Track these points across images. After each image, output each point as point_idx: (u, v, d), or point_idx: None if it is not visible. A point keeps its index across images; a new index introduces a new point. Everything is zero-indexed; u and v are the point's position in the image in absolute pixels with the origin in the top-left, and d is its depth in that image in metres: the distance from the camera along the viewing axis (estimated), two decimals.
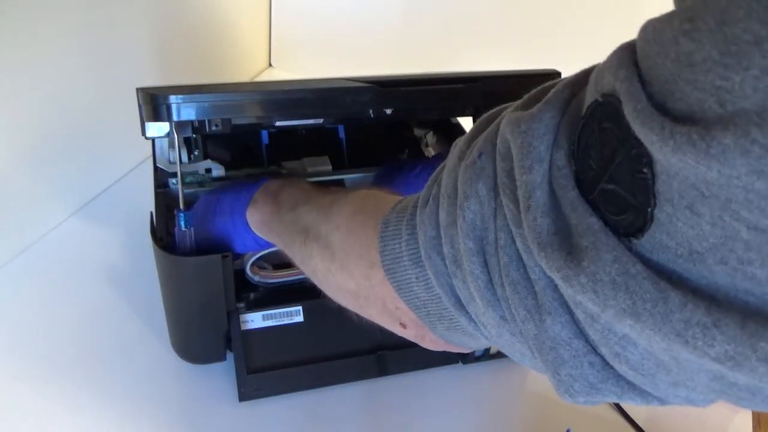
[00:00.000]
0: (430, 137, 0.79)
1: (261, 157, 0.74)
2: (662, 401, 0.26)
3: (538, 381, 0.66)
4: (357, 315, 0.44)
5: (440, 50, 1.07)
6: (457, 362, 0.66)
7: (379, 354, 0.63)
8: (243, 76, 1.13)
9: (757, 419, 0.57)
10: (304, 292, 0.63)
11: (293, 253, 0.50)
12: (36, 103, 0.72)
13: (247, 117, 0.54)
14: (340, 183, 0.69)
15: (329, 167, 0.73)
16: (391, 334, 0.44)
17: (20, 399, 0.60)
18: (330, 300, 0.48)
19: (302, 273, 0.64)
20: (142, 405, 0.60)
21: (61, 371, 0.62)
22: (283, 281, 0.64)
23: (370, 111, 0.57)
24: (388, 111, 0.58)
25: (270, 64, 1.21)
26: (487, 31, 1.04)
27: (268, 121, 0.56)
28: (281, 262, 0.65)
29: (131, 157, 0.88)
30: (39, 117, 0.72)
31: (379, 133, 0.80)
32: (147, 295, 0.68)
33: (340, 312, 0.47)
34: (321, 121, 0.58)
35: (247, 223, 0.57)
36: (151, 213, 0.60)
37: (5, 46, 0.66)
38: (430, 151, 0.79)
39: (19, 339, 0.65)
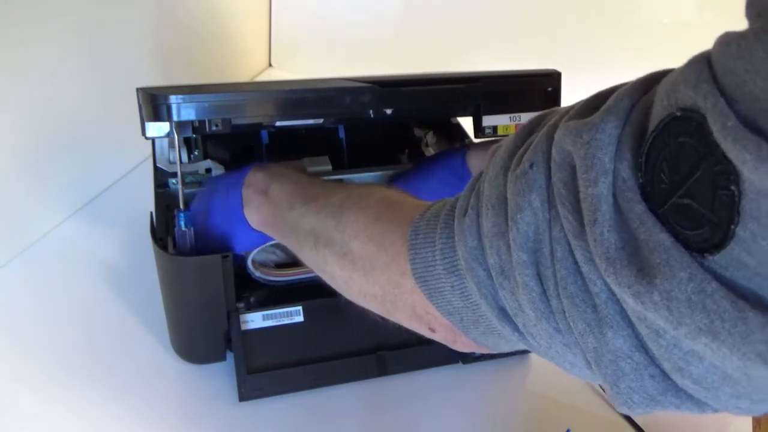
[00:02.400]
0: (430, 137, 0.79)
1: (261, 157, 0.74)
2: (718, 411, 0.26)
3: (538, 381, 0.66)
4: (365, 311, 0.44)
5: (440, 50, 1.07)
6: (457, 362, 0.66)
7: (379, 354, 0.63)
8: (243, 76, 1.13)
9: (757, 420, 0.57)
10: (304, 292, 0.63)
11: (303, 257, 0.49)
12: (36, 103, 0.72)
13: (247, 117, 0.54)
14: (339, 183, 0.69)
15: (329, 167, 0.73)
16: (392, 334, 0.44)
17: (20, 399, 0.60)
18: (330, 300, 0.47)
19: (303, 274, 0.64)
20: (142, 405, 0.60)
21: (61, 371, 0.62)
22: (283, 280, 0.64)
23: (370, 111, 0.57)
24: (388, 111, 0.58)
25: (270, 64, 1.21)
26: (487, 31, 1.04)
27: (268, 121, 0.56)
28: (284, 262, 0.65)
29: (131, 157, 0.88)
30: (39, 117, 0.72)
31: (379, 133, 0.80)
32: (147, 295, 0.68)
33: (340, 312, 0.47)
34: (321, 121, 0.58)
35: (245, 223, 0.56)
36: (151, 213, 0.60)
37: (5, 46, 0.66)
38: (430, 151, 0.79)
39: (19, 339, 0.65)
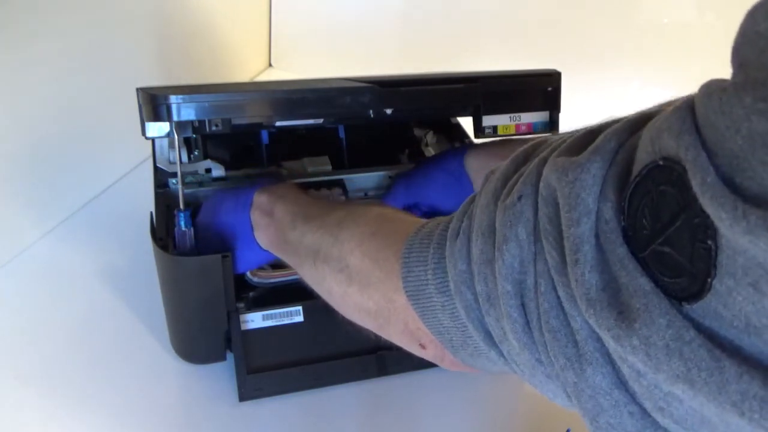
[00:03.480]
0: (430, 137, 0.79)
1: (261, 157, 0.74)
2: None
3: None
4: (373, 333, 0.44)
5: (440, 50, 1.07)
6: None
7: (379, 354, 0.63)
8: (243, 76, 1.13)
9: None
10: (304, 292, 0.63)
11: (303, 274, 0.50)
12: (36, 103, 0.72)
13: (247, 117, 0.54)
14: (339, 183, 0.69)
15: (329, 167, 0.73)
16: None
17: (20, 399, 0.60)
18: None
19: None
20: (142, 405, 0.60)
21: (61, 371, 0.62)
22: (282, 281, 0.64)
23: (370, 111, 0.57)
24: (388, 111, 0.58)
25: (270, 64, 1.21)
26: (487, 31, 1.04)
27: (268, 121, 0.56)
28: (279, 263, 0.65)
29: (131, 157, 0.88)
30: (39, 117, 0.72)
31: (379, 133, 0.80)
32: (147, 295, 0.68)
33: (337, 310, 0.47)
34: (321, 121, 0.58)
35: (256, 245, 0.57)
36: (151, 213, 0.60)
37: (5, 46, 0.66)
38: (430, 151, 0.79)
39: (19, 339, 0.65)
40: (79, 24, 0.74)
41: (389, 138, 0.80)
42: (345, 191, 0.69)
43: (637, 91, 0.97)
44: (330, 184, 0.69)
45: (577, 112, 0.64)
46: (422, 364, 0.65)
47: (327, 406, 0.62)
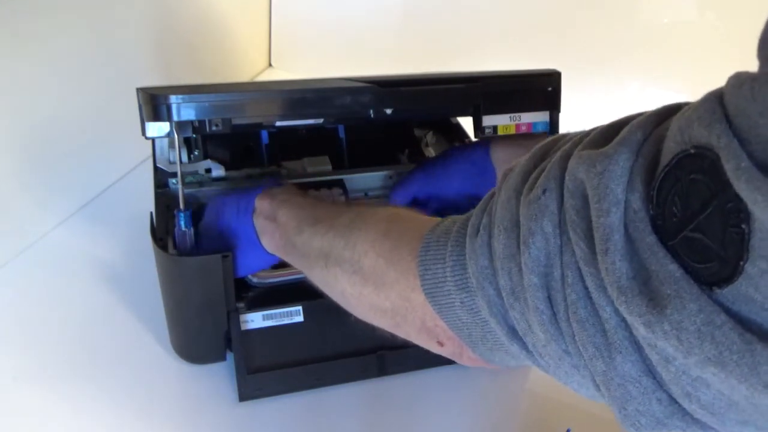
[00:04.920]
0: (430, 137, 0.79)
1: (261, 157, 0.74)
2: None
3: (538, 381, 0.66)
4: (389, 333, 0.45)
5: (440, 50, 1.07)
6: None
7: (380, 354, 0.63)
8: (243, 76, 1.13)
9: None
10: (304, 292, 0.63)
11: (314, 277, 0.50)
12: (35, 103, 0.72)
13: (247, 117, 0.54)
14: (339, 183, 0.69)
15: (329, 167, 0.73)
16: (392, 335, 0.44)
17: (20, 399, 0.60)
18: (331, 300, 0.48)
19: (298, 273, 0.64)
20: (142, 405, 0.60)
21: (61, 371, 0.62)
22: (281, 280, 0.64)
23: (370, 111, 0.57)
24: (388, 111, 0.58)
25: (270, 64, 1.21)
26: (487, 31, 1.04)
27: (268, 121, 0.56)
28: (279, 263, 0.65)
29: (131, 157, 0.88)
30: (39, 117, 0.72)
31: (379, 133, 0.80)
32: (147, 295, 0.68)
33: (340, 312, 0.47)
34: (321, 121, 0.58)
35: (263, 250, 0.57)
36: (151, 213, 0.60)
37: (5, 47, 0.66)
38: (431, 151, 0.79)
39: (19, 339, 0.65)
40: (80, 24, 0.74)
41: (389, 138, 0.80)
42: (345, 191, 0.69)
43: (638, 90, 0.97)
44: (330, 184, 0.69)
45: (577, 112, 0.64)
46: (422, 364, 0.65)
47: (327, 406, 0.62)
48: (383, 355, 0.64)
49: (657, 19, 0.95)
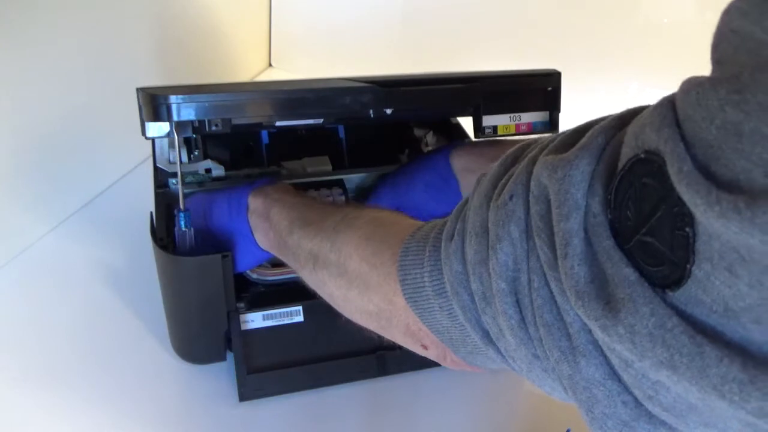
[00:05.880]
0: (430, 137, 0.79)
1: (261, 157, 0.74)
2: None
3: None
4: (376, 334, 0.45)
5: (440, 50, 1.07)
6: None
7: (379, 354, 0.63)
8: (243, 76, 1.13)
9: None
10: (304, 291, 0.63)
11: (305, 277, 0.50)
12: (36, 103, 0.72)
13: (247, 117, 0.54)
14: (339, 183, 0.69)
15: (329, 167, 0.73)
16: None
17: (20, 399, 0.60)
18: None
19: None
20: (142, 405, 0.60)
21: (61, 371, 0.62)
22: (281, 279, 0.64)
23: (370, 111, 0.57)
24: (388, 111, 0.58)
25: (270, 64, 1.21)
26: (487, 30, 1.04)
27: (268, 121, 0.56)
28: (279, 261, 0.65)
29: (131, 157, 0.88)
30: (39, 117, 0.72)
31: (379, 133, 0.80)
32: (147, 295, 0.68)
33: (340, 312, 0.48)
34: (321, 121, 0.58)
35: (257, 247, 0.58)
36: (151, 213, 0.60)
37: (6, 47, 0.66)
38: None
39: (19, 339, 0.65)
40: (80, 24, 0.74)
41: (389, 138, 0.80)
42: (345, 191, 0.69)
43: (637, 90, 0.97)
44: (330, 184, 0.69)
45: (577, 112, 0.64)
46: (422, 364, 0.65)
47: (327, 406, 0.62)
48: (383, 355, 0.64)
49: (657, 19, 0.95)
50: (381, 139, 0.79)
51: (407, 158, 0.80)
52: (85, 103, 0.78)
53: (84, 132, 0.79)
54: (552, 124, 0.62)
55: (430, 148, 0.79)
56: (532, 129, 0.62)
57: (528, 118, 0.61)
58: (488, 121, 0.60)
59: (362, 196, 0.71)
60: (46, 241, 0.77)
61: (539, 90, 0.61)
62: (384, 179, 0.68)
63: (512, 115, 0.61)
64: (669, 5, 0.94)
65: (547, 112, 0.62)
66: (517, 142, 0.35)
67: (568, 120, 0.59)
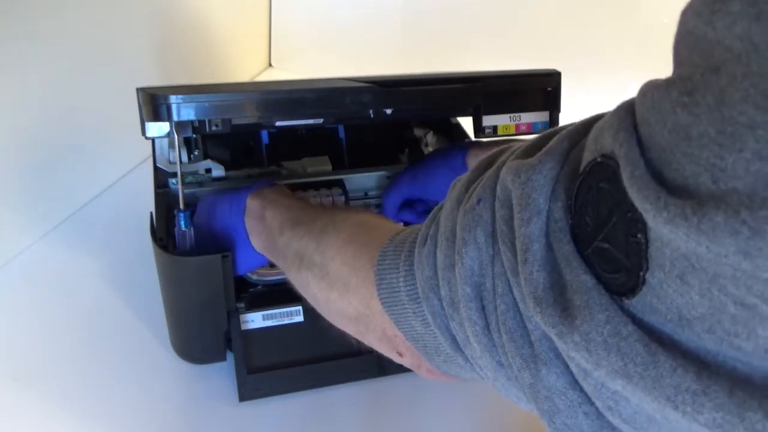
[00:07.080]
0: (430, 137, 0.79)
1: (261, 157, 0.74)
2: None
3: None
4: (355, 339, 0.45)
5: (440, 50, 1.07)
6: None
7: (379, 354, 0.63)
8: (243, 76, 1.13)
9: None
10: None
11: (291, 278, 0.50)
12: (36, 103, 0.72)
13: (247, 117, 0.54)
14: (339, 183, 0.69)
15: (329, 167, 0.73)
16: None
17: (20, 399, 0.60)
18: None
19: None
20: (142, 405, 0.60)
21: (61, 371, 0.62)
22: (281, 279, 0.64)
23: (370, 111, 0.57)
24: (388, 111, 0.58)
25: (270, 64, 1.21)
26: (487, 30, 1.04)
27: (268, 121, 0.56)
28: None
29: (131, 157, 0.88)
30: (39, 117, 0.72)
31: (379, 133, 0.80)
32: (147, 295, 0.68)
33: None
34: (321, 121, 0.58)
35: (252, 249, 0.57)
36: (151, 213, 0.60)
37: (6, 47, 0.66)
38: (430, 151, 0.79)
39: (19, 339, 0.65)
40: (80, 24, 0.74)
41: (389, 138, 0.80)
42: (345, 191, 0.69)
43: (637, 91, 0.97)
44: (330, 184, 0.69)
45: (577, 112, 0.64)
46: None
47: (327, 406, 0.62)
48: (383, 356, 0.63)
49: (657, 19, 0.95)
50: (381, 139, 0.79)
51: (407, 158, 0.80)
52: (85, 104, 0.78)
53: (84, 132, 0.79)
54: (552, 124, 0.62)
55: (430, 148, 0.79)
56: (532, 129, 0.62)
57: (528, 118, 0.61)
58: (488, 121, 0.60)
59: (363, 196, 0.71)
60: (47, 241, 0.77)
61: (539, 90, 0.61)
62: (402, 173, 0.68)
63: (512, 115, 0.61)
64: (669, 5, 0.94)
65: (547, 112, 0.62)
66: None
67: (568, 120, 0.59)
